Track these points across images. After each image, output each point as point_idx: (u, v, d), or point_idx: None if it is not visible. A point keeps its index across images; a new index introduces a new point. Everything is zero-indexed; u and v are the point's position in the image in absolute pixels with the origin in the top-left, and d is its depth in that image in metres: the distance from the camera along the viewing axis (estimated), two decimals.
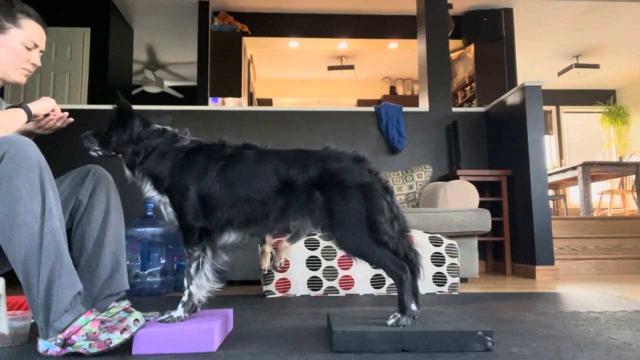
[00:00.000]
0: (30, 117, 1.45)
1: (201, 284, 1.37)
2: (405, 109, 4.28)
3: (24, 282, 1.19)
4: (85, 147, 1.45)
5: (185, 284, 1.37)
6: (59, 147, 3.54)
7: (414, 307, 1.31)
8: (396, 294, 1.31)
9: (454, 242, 2.65)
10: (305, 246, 2.51)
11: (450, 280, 2.57)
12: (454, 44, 6.20)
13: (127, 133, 1.40)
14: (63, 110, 1.66)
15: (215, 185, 1.34)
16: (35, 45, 1.54)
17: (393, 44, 6.77)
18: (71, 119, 1.62)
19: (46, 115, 1.51)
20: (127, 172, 1.44)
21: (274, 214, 1.35)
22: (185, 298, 1.36)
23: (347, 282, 2.50)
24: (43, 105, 1.50)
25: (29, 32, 1.51)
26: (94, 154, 1.45)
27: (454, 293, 2.54)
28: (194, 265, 1.36)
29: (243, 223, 1.36)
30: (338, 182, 1.32)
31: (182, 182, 1.36)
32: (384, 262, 1.30)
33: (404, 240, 1.39)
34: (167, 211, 1.40)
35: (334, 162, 1.35)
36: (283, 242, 2.45)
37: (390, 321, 1.27)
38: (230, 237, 1.40)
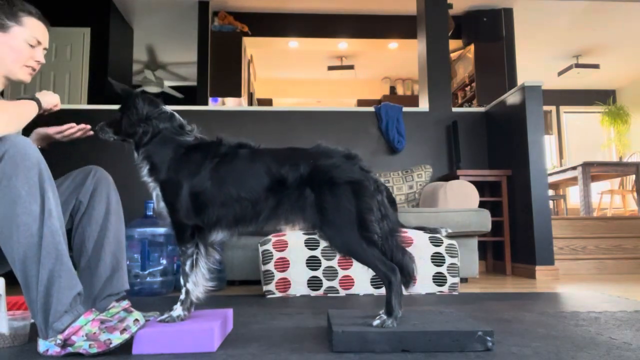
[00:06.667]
0: (40, 109, 1.44)
1: (197, 281, 1.38)
2: (405, 109, 4.28)
3: (22, 282, 1.19)
4: (100, 137, 1.48)
5: (182, 282, 1.37)
6: (59, 148, 3.53)
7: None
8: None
9: (454, 242, 2.65)
10: (305, 246, 2.51)
11: (450, 280, 2.57)
12: (454, 44, 6.19)
13: (135, 113, 1.41)
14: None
15: (207, 183, 1.34)
16: (39, 43, 1.51)
17: (393, 44, 6.77)
18: (91, 132, 1.62)
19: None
20: (135, 154, 1.44)
21: (264, 212, 1.34)
22: (182, 296, 1.36)
23: (347, 282, 2.50)
24: (50, 99, 1.50)
25: (32, 29, 1.49)
26: (110, 139, 1.48)
27: (454, 293, 2.54)
28: (188, 263, 1.37)
29: (232, 222, 1.36)
30: (328, 179, 1.32)
31: (176, 180, 1.36)
32: (374, 262, 1.30)
33: (393, 240, 1.37)
34: (160, 205, 1.40)
35: (324, 158, 1.35)
36: None
37: (376, 322, 1.27)
38: (218, 236, 1.40)
